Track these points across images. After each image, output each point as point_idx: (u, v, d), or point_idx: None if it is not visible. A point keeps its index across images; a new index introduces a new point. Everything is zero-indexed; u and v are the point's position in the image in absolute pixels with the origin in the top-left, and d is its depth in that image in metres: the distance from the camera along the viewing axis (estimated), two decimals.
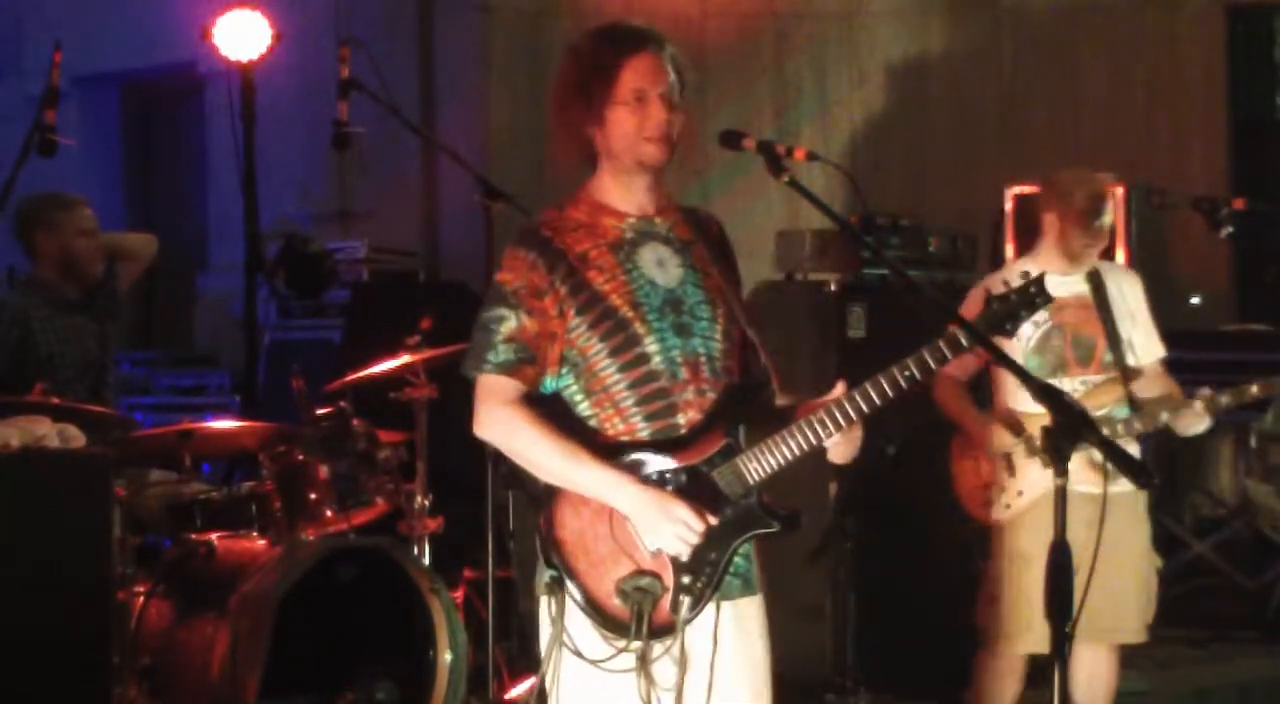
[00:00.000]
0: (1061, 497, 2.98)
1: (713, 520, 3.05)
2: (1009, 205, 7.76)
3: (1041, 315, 4.75)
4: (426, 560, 5.27)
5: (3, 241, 5.96)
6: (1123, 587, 4.76)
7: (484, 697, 5.22)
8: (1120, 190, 7.54)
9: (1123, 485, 4.44)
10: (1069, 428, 2.92)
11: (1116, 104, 8.71)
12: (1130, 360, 4.86)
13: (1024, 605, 4.70)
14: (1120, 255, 7.45)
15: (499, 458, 5.34)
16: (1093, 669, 4.88)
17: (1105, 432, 4.57)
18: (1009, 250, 7.73)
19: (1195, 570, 7.63)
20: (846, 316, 6.05)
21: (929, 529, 6.09)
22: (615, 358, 3.12)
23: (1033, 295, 3.16)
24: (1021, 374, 3.08)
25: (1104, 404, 4.76)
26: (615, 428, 3.12)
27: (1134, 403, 4.86)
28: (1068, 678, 3.03)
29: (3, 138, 7.00)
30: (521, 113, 8.40)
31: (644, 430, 3.11)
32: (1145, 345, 4.94)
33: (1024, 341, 4.84)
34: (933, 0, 8.95)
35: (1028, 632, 4.73)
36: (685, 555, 3.04)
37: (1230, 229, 5.60)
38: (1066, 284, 4.81)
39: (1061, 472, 2.95)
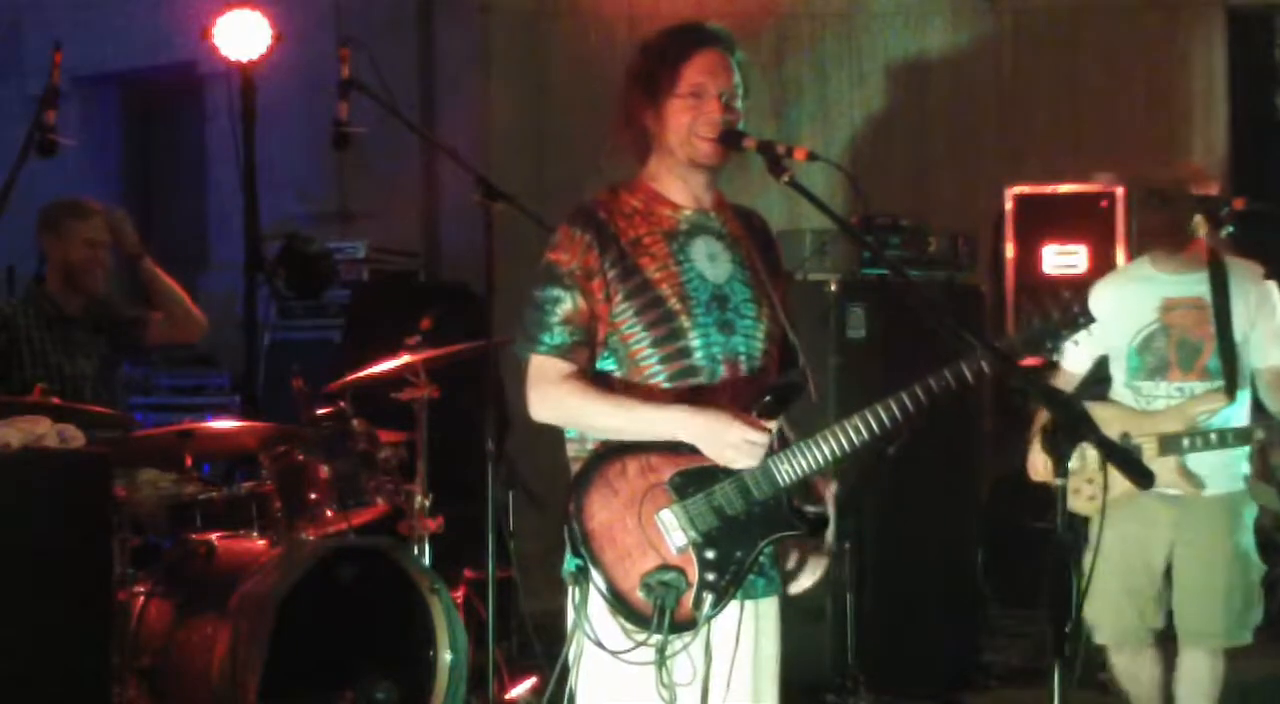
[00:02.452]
0: (1062, 497, 2.97)
1: (771, 426, 3.06)
2: (1009, 205, 7.78)
3: (1150, 315, 4.71)
4: (426, 560, 5.27)
5: (2, 242, 5.95)
6: (1209, 590, 4.67)
7: (484, 697, 5.22)
8: (1120, 190, 7.56)
9: (1218, 488, 4.56)
10: (1069, 428, 2.91)
11: (1116, 104, 8.70)
12: (1244, 366, 4.65)
13: (1106, 599, 4.70)
14: (1120, 255, 7.46)
15: (499, 458, 5.38)
16: (1192, 673, 4.77)
17: (1199, 441, 4.53)
18: (1009, 250, 7.74)
19: None
20: (846, 317, 6.04)
21: (928, 529, 6.09)
22: (657, 349, 3.14)
23: (1075, 316, 3.15)
24: (1025, 377, 3.06)
25: (1200, 414, 4.58)
26: None
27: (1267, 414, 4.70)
28: (1071, 678, 3.00)
29: (3, 138, 7.01)
30: (521, 113, 8.40)
31: None
32: (1265, 349, 4.71)
33: (1129, 339, 4.73)
34: (933, 0, 8.95)
35: (1106, 625, 4.81)
36: (756, 463, 3.05)
37: (1230, 229, 5.59)
38: (1183, 283, 4.70)
39: (1062, 472, 2.95)
